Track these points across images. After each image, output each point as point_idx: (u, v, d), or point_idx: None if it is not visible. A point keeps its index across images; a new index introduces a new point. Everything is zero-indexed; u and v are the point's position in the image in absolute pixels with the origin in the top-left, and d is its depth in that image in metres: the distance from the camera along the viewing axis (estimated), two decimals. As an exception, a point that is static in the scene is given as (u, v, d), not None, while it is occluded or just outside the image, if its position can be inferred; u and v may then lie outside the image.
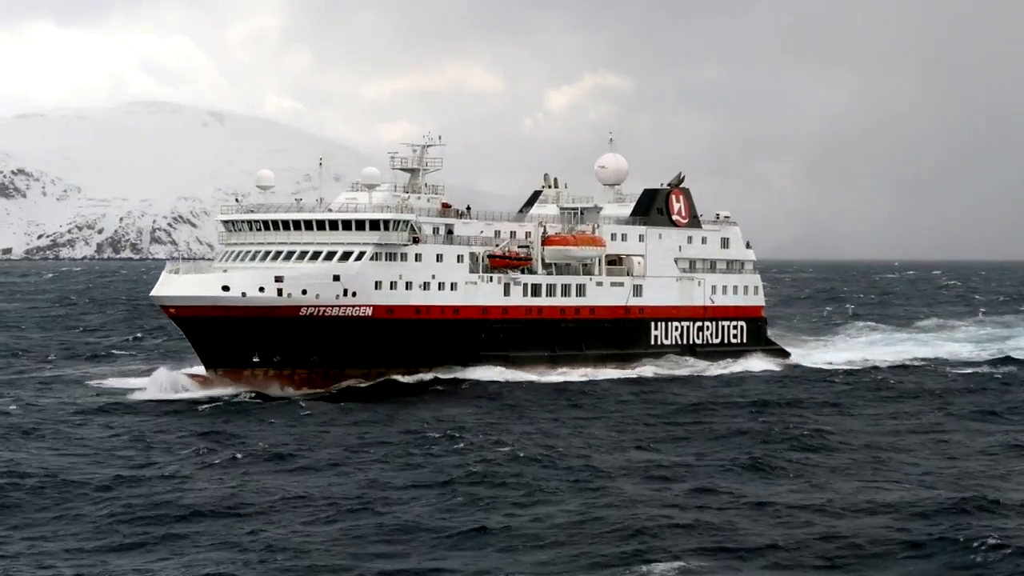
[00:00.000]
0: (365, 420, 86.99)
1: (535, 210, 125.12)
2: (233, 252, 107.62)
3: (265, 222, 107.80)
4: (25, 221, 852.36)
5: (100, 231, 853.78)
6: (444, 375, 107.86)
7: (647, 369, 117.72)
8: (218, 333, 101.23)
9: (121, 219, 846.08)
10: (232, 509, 58.42)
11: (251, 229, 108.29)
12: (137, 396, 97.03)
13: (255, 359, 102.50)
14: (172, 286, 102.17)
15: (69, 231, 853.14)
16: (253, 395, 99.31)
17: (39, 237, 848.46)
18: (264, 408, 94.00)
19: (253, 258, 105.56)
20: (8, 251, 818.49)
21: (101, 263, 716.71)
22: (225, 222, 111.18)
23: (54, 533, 54.35)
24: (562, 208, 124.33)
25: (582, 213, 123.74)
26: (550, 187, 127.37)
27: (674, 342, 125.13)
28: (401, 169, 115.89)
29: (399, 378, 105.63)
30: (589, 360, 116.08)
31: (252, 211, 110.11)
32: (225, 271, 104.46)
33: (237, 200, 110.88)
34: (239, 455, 72.08)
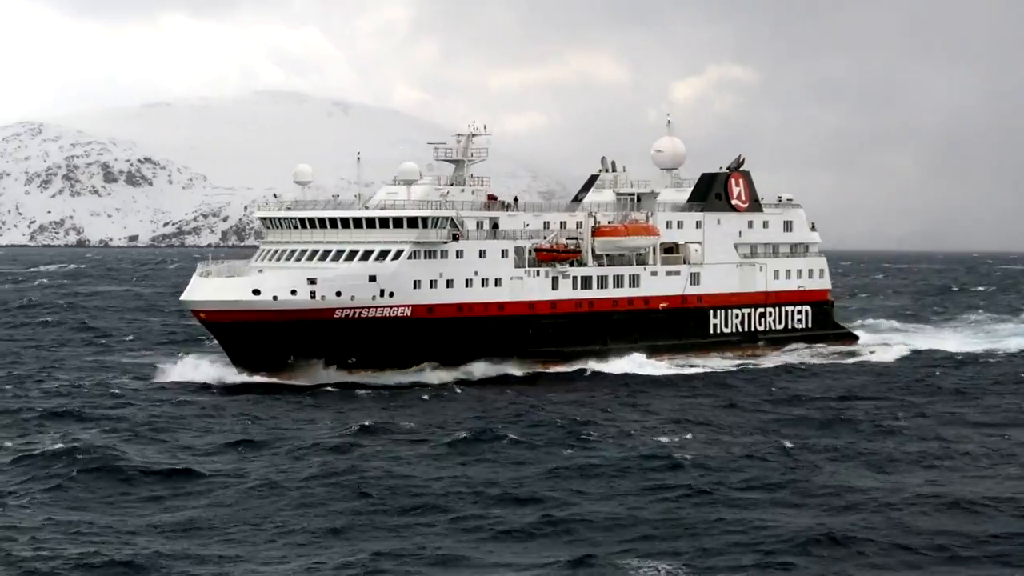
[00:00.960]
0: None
1: (591, 196, 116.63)
2: (270, 251, 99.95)
3: (301, 220, 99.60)
4: (151, 209, 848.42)
5: (225, 219, 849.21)
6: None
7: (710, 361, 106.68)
8: (249, 338, 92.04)
9: (246, 207, 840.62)
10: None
11: (287, 227, 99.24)
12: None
13: (289, 361, 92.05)
14: (202, 290, 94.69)
15: (194, 219, 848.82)
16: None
17: (165, 225, 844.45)
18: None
19: (288, 257, 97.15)
20: (134, 238, 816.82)
21: (226, 250, 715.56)
22: (262, 219, 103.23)
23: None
24: (618, 194, 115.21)
25: (638, 199, 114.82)
26: (607, 171, 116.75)
27: (735, 330, 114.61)
28: (446, 160, 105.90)
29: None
30: (643, 351, 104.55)
31: (289, 208, 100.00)
32: (260, 271, 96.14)
33: (275, 196, 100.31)
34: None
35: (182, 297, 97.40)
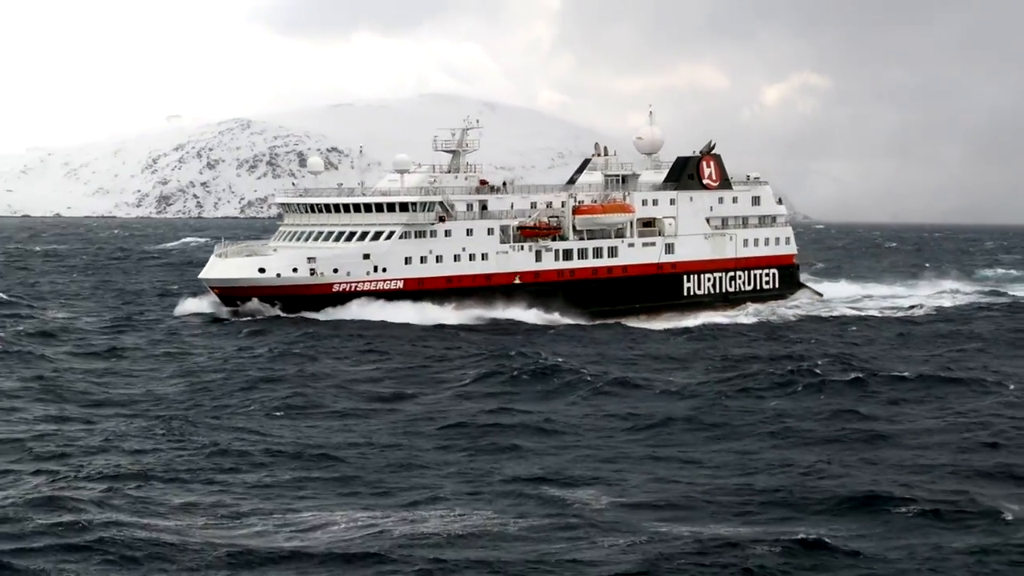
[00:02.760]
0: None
1: (584, 177, 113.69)
2: (285, 232, 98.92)
3: (309, 205, 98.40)
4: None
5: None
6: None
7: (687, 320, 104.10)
8: None
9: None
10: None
11: (298, 211, 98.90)
12: None
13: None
14: (216, 269, 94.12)
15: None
16: None
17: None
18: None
19: (298, 238, 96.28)
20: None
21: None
22: (281, 204, 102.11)
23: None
24: (606, 175, 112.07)
25: (623, 180, 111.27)
26: (600, 156, 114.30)
27: (707, 292, 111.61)
28: (443, 151, 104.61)
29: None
30: (622, 314, 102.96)
31: (301, 195, 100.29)
32: (275, 250, 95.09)
33: (293, 184, 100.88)
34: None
35: (200, 275, 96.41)
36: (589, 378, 63.12)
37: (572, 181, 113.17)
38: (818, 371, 63.60)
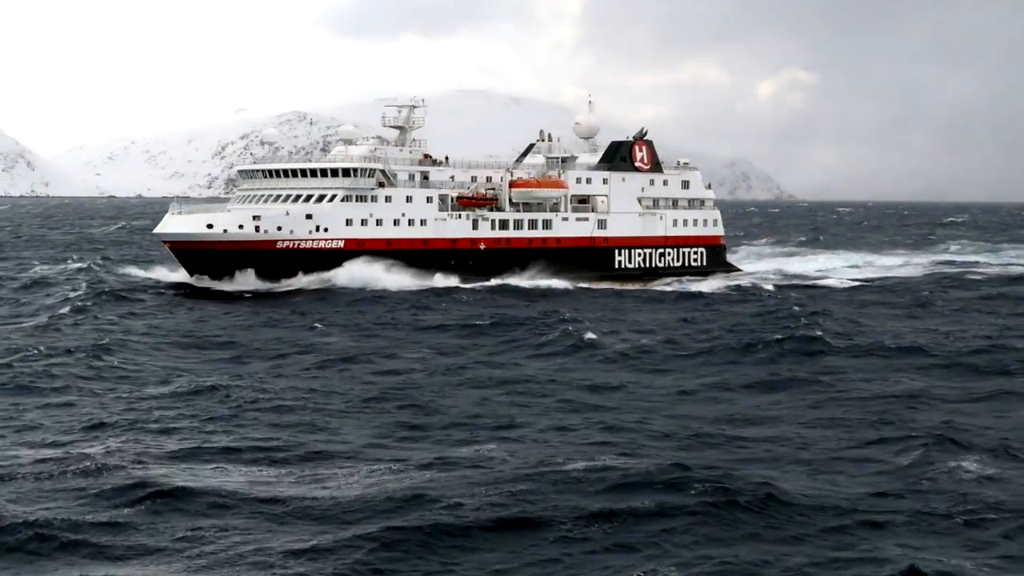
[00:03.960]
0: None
1: (528, 159, 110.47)
2: (241, 196, 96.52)
3: (263, 171, 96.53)
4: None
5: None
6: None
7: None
8: (207, 263, 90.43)
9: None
10: None
11: (253, 177, 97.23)
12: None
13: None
14: (169, 225, 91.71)
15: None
16: None
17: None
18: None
19: (252, 201, 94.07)
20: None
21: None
22: (239, 171, 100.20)
23: None
24: (548, 157, 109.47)
25: (563, 161, 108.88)
26: (544, 141, 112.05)
27: (637, 266, 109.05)
28: (391, 127, 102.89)
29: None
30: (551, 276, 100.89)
31: (256, 163, 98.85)
32: (229, 211, 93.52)
33: (251, 155, 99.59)
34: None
35: (154, 230, 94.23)
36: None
37: (518, 163, 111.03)
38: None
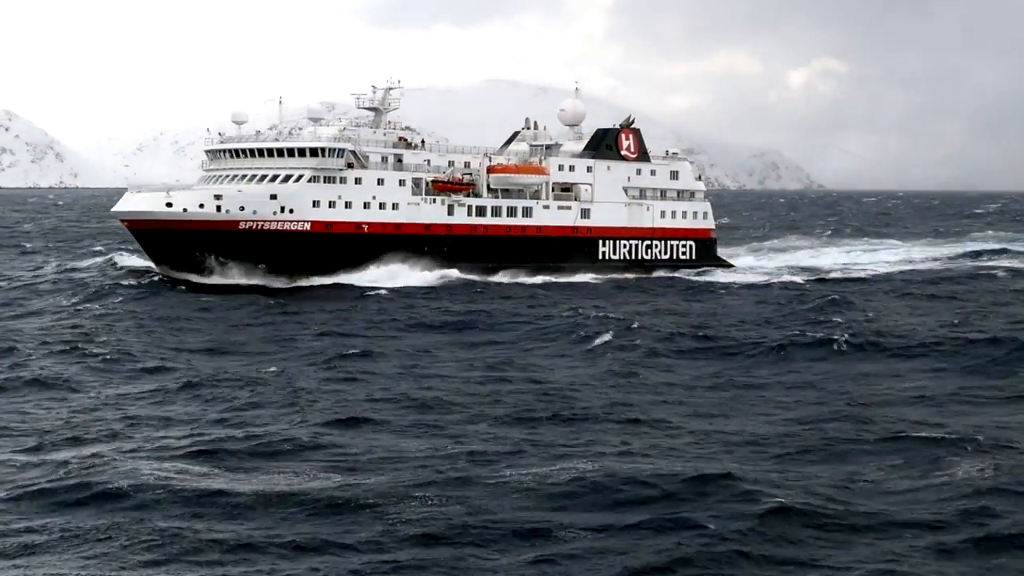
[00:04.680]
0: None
1: (512, 146, 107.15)
2: (207, 176, 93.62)
3: (229, 151, 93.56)
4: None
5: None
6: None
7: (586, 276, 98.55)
8: (165, 243, 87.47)
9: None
10: None
11: (220, 157, 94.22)
12: None
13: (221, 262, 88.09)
14: (127, 203, 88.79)
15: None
16: None
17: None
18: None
19: (218, 181, 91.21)
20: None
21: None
22: (206, 151, 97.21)
23: None
24: (531, 145, 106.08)
25: (547, 149, 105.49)
26: (529, 129, 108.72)
27: (622, 257, 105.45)
28: (366, 108, 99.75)
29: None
30: (532, 271, 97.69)
31: (223, 142, 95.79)
32: (193, 191, 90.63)
33: (220, 134, 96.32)
34: None
35: (112, 208, 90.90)
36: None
37: (501, 150, 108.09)
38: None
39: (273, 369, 48.47)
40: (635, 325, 61.41)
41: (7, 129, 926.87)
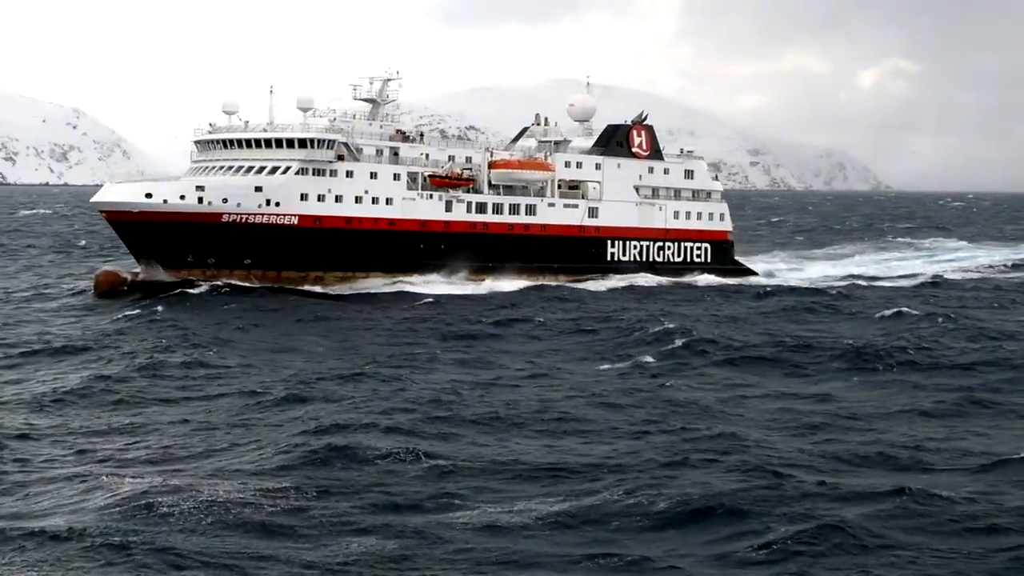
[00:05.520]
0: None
1: (521, 142, 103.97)
2: (195, 167, 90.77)
3: (212, 141, 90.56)
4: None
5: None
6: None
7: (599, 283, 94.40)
8: (144, 235, 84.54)
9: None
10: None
11: (208, 148, 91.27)
12: None
13: (189, 259, 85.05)
14: (106, 194, 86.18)
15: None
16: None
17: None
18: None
19: (205, 172, 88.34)
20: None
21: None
22: (195, 142, 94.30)
23: None
24: (540, 141, 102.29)
25: (556, 145, 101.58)
26: (538, 124, 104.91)
27: (632, 259, 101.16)
28: (363, 100, 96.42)
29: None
30: (538, 272, 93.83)
31: (211, 133, 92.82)
32: (177, 182, 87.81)
33: (211, 125, 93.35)
34: None
35: (91, 199, 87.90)
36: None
37: (511, 146, 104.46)
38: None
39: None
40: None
41: (75, 127, 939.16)
